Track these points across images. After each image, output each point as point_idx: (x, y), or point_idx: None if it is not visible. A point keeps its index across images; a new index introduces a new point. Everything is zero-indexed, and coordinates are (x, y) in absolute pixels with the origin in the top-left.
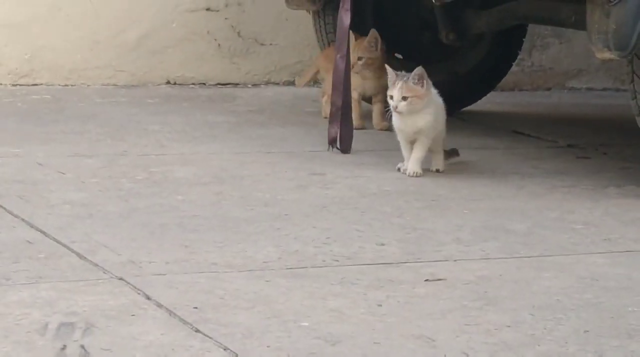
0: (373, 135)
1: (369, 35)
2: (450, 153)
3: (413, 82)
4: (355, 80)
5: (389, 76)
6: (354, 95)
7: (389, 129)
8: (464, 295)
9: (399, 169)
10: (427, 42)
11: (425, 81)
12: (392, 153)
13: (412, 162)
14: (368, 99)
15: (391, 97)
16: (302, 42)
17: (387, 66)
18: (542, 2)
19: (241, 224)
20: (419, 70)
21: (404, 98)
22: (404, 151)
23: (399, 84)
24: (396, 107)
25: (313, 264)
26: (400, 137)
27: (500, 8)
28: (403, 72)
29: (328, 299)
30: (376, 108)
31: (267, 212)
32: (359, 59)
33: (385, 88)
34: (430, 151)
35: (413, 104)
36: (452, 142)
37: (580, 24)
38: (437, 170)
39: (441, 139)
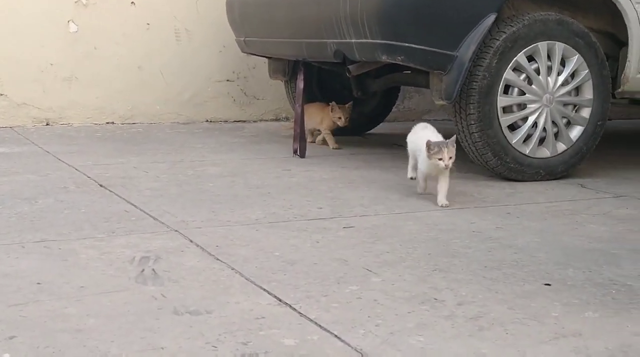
0: (318, 148)
1: (348, 104)
2: None
3: (452, 146)
4: (310, 120)
5: (431, 147)
6: (308, 128)
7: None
8: (364, 235)
9: (411, 178)
10: (347, 96)
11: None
12: (326, 158)
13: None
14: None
15: (441, 159)
16: (280, 97)
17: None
18: (407, 74)
19: (243, 198)
20: (454, 138)
21: (450, 158)
22: (424, 180)
23: (446, 150)
24: (447, 165)
25: (282, 220)
26: (427, 174)
27: (386, 77)
28: (444, 141)
29: (290, 239)
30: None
31: (258, 192)
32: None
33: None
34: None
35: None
36: (361, 149)
37: (428, 85)
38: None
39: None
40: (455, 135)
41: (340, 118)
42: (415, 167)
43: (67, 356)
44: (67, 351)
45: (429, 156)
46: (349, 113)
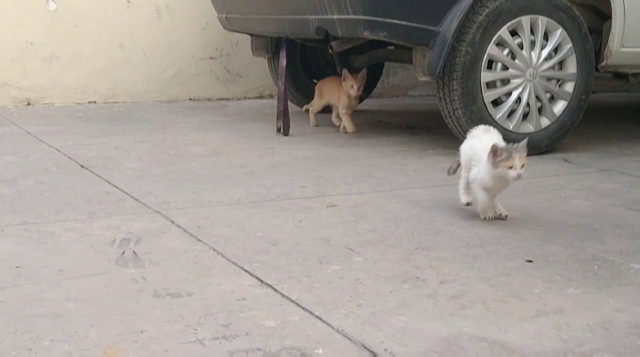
0: (302, 126)
1: (362, 72)
2: None
3: (524, 151)
4: (330, 96)
5: (498, 153)
6: (323, 103)
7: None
8: (347, 214)
9: (467, 204)
10: (330, 73)
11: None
12: (310, 136)
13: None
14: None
15: (511, 167)
16: (263, 75)
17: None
18: (390, 50)
19: (226, 178)
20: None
21: (522, 165)
22: (488, 198)
23: (517, 155)
24: (520, 174)
25: (265, 199)
26: (490, 190)
27: (369, 53)
28: (513, 145)
29: (272, 219)
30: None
31: (241, 171)
32: (359, 87)
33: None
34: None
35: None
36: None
37: (411, 61)
38: None
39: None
40: (526, 138)
41: (352, 86)
42: (468, 188)
43: (45, 341)
44: (45, 336)
45: (495, 164)
46: (362, 82)
